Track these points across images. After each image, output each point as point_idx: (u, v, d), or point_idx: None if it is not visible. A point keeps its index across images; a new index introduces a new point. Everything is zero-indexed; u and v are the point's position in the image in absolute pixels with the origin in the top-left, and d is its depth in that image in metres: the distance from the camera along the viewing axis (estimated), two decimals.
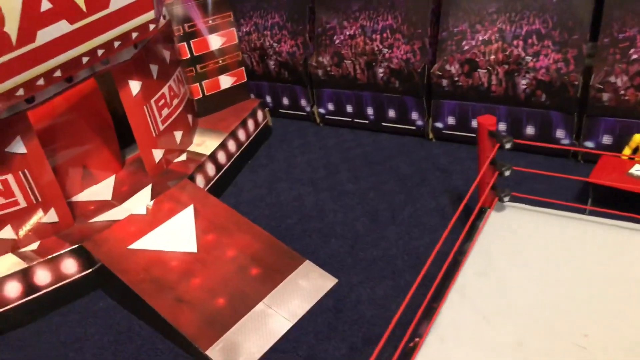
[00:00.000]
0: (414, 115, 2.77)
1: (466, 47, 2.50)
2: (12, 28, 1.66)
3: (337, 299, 1.98)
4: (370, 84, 2.79)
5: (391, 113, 2.83)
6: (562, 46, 2.31)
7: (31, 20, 1.71)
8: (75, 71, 1.96)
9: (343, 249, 2.20)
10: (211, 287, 2.01)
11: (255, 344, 1.84)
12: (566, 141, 2.42)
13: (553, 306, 1.53)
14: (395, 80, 2.71)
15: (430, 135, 2.77)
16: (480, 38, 2.47)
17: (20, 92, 1.77)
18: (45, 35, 1.76)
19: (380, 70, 2.72)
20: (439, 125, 2.71)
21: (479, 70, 2.47)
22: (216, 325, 1.89)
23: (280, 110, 3.23)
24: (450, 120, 2.66)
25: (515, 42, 2.39)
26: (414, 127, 2.80)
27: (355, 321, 1.88)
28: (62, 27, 1.81)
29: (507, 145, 1.79)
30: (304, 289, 2.01)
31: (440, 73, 2.56)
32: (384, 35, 2.69)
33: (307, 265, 2.09)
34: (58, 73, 1.87)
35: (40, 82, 1.82)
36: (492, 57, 2.43)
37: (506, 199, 1.91)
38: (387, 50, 2.69)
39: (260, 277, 2.05)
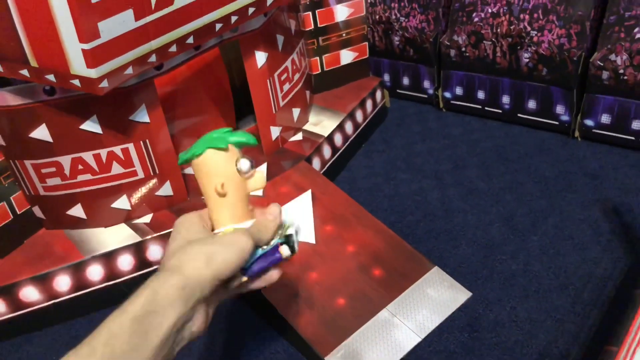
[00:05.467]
0: (559, 109, 2.43)
1: (639, 36, 2.12)
2: None
3: (472, 316, 1.75)
4: (512, 70, 2.47)
5: (531, 104, 2.50)
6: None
7: None
8: (206, 38, 1.81)
9: (476, 258, 1.95)
10: (330, 285, 1.84)
11: (380, 357, 1.65)
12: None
13: None
14: (542, 68, 2.38)
15: (577, 134, 2.42)
16: None
17: (152, 58, 1.64)
18: None
19: (526, 55, 2.40)
20: (590, 122, 2.36)
21: None
22: (336, 329, 1.72)
23: (398, 91, 2.97)
24: (605, 119, 2.31)
25: None
26: (556, 123, 2.47)
27: (496, 345, 1.64)
28: None
29: None
30: (433, 299, 1.80)
31: (601, 64, 2.21)
32: (535, 15, 2.36)
33: (437, 273, 1.87)
34: (190, 40, 1.72)
35: (173, 48, 1.68)
36: None
37: None
38: (536, 32, 2.35)
39: (384, 280, 1.85)
